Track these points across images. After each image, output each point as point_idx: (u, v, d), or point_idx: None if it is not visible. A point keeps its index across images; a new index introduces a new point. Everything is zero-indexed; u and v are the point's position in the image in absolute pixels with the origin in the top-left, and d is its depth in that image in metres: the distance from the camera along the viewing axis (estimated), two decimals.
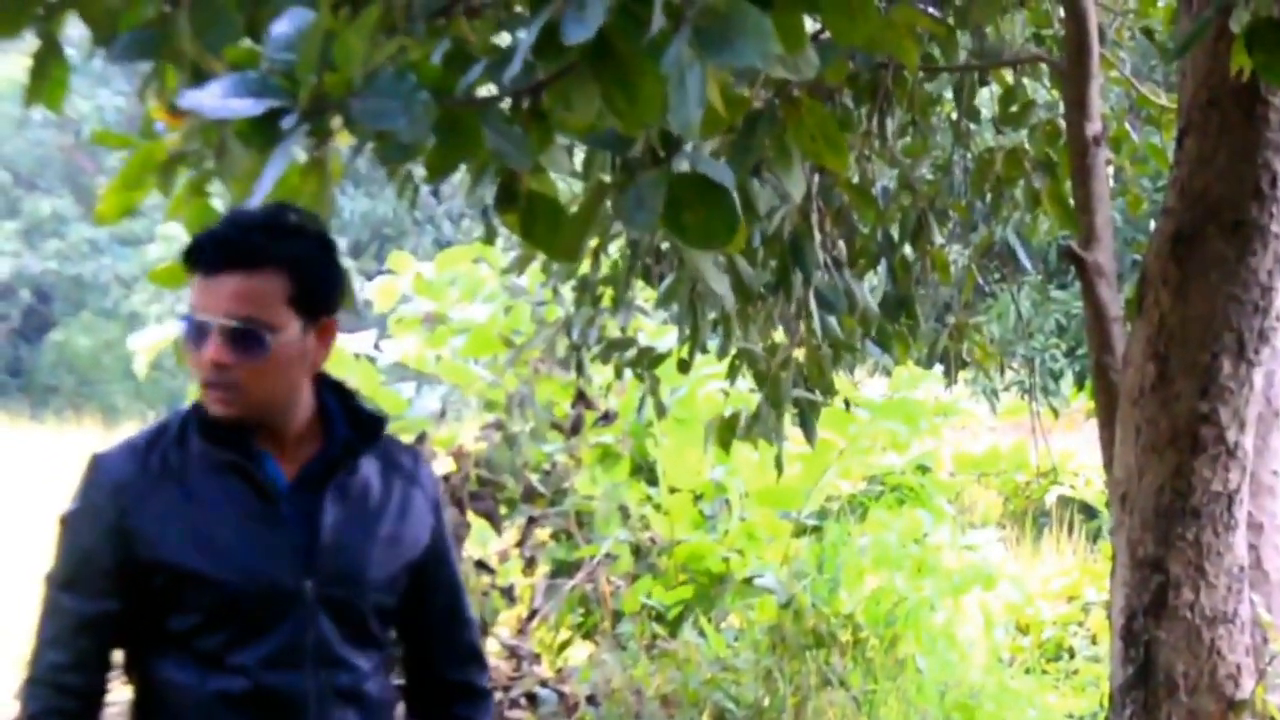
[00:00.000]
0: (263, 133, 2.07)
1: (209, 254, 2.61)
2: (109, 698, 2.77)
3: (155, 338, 11.95)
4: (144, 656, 2.72)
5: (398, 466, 2.85)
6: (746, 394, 6.37)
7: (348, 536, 2.72)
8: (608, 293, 6.34)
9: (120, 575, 2.64)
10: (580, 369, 7.61)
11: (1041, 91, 6.64)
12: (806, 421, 5.54)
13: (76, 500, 2.70)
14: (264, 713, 2.66)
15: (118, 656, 2.76)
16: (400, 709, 3.00)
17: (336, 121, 2.12)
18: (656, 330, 8.45)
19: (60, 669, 2.66)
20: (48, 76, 3.18)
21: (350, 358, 9.41)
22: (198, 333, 2.61)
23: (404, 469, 2.86)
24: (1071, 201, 5.50)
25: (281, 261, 2.62)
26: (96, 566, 2.65)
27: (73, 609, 2.66)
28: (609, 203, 2.51)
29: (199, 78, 2.77)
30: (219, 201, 3.08)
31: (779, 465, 5.71)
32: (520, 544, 7.87)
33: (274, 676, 2.65)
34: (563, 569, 8.37)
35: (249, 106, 2.06)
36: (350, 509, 2.74)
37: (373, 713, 2.79)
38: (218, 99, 2.06)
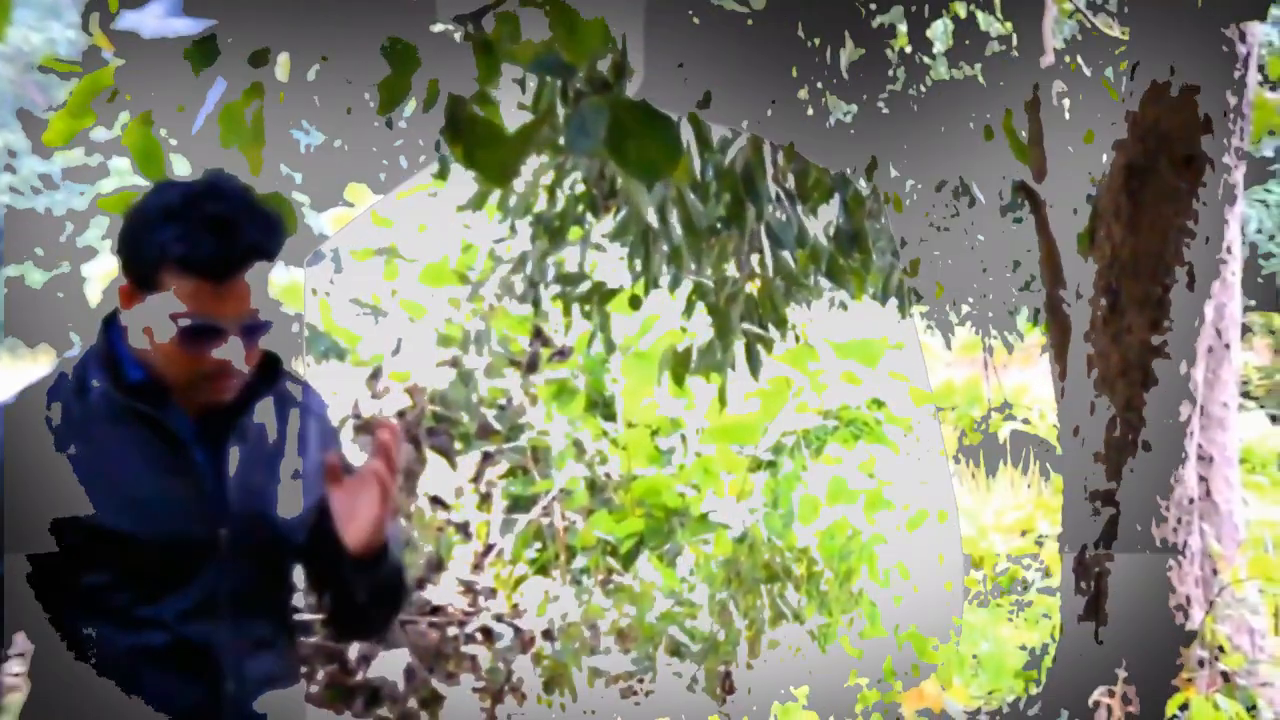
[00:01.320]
0: (201, 52, 2.04)
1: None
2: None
3: (110, 267, 11.77)
4: (55, 612, 2.63)
5: (288, 399, 2.78)
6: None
7: (254, 480, 2.67)
8: (564, 228, 6.31)
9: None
10: (536, 305, 7.58)
11: (995, 24, 6.61)
12: (753, 355, 5.54)
13: None
14: (182, 665, 2.61)
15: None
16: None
17: (282, 57, 2.09)
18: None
19: None
20: None
21: (308, 292, 9.36)
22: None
23: (294, 400, 2.79)
24: (1024, 135, 5.50)
25: None
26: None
27: None
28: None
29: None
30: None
31: (722, 397, 5.72)
32: (476, 479, 7.85)
33: (191, 628, 2.60)
34: (519, 504, 8.37)
35: (188, 25, 2.03)
36: (252, 451, 2.68)
37: (284, 655, 2.76)
38: (157, 19, 2.03)
